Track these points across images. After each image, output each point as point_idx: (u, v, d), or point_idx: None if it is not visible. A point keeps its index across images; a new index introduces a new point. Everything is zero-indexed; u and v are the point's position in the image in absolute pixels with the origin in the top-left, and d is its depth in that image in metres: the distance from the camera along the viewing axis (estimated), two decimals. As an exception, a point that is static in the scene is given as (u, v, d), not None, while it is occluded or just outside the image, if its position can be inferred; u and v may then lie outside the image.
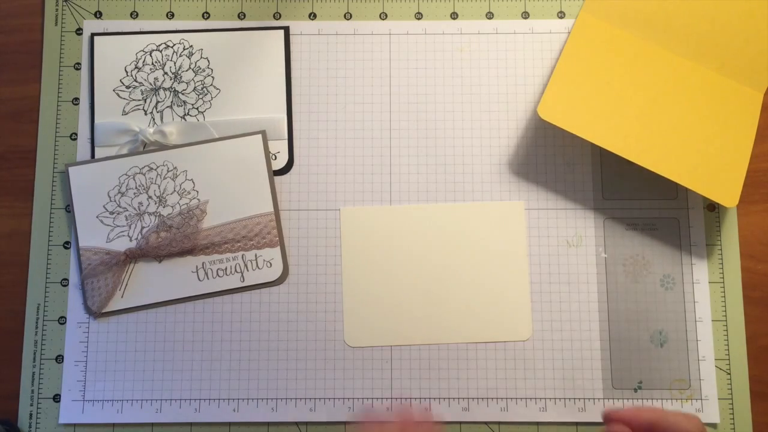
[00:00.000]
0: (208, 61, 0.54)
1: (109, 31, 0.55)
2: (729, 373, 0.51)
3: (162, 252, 0.51)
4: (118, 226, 0.52)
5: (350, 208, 0.53)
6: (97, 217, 0.52)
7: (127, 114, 0.54)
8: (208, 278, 0.52)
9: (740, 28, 0.53)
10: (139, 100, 0.54)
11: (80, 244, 0.52)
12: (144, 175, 0.52)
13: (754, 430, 0.50)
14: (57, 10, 0.55)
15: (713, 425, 0.50)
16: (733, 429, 0.50)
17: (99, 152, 0.53)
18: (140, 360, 0.51)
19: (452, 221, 0.52)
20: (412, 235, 0.52)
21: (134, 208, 0.52)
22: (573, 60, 0.52)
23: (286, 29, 0.55)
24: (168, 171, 0.52)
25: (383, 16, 0.55)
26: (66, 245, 0.52)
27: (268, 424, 0.50)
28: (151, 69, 0.54)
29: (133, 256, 0.51)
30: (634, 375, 0.51)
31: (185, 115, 0.53)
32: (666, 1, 0.53)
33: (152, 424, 0.50)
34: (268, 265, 0.52)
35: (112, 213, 0.52)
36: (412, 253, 0.52)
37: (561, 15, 0.55)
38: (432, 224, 0.52)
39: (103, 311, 0.51)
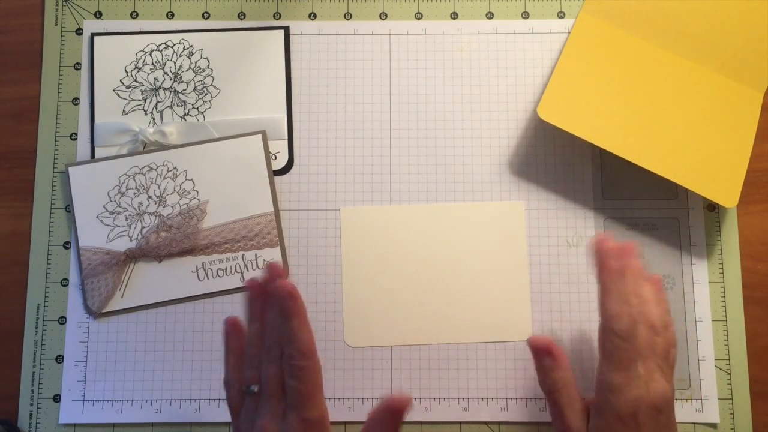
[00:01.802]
0: (208, 61, 0.54)
1: (109, 31, 0.55)
2: (729, 373, 0.51)
3: (162, 252, 0.51)
4: (118, 226, 0.52)
5: (350, 208, 0.53)
6: (97, 217, 0.52)
7: (127, 114, 0.54)
8: (208, 278, 0.52)
9: (740, 28, 0.53)
10: (139, 100, 0.54)
11: (80, 244, 0.52)
12: (144, 175, 0.52)
13: (754, 430, 0.50)
14: (57, 10, 0.55)
15: (713, 425, 0.50)
16: (733, 429, 0.50)
17: (99, 152, 0.53)
18: (140, 360, 0.51)
19: (452, 221, 0.52)
20: (412, 235, 0.52)
21: (134, 208, 0.52)
22: (573, 60, 0.52)
23: (286, 29, 0.55)
24: (168, 171, 0.52)
25: (383, 16, 0.55)
26: (66, 245, 0.52)
27: (268, 424, 0.50)
28: (151, 69, 0.54)
29: (133, 256, 0.51)
30: (634, 375, 0.51)
31: (185, 115, 0.53)
32: (666, 1, 0.53)
33: (152, 424, 0.50)
34: (268, 265, 0.52)
35: (112, 213, 0.52)
36: (412, 253, 0.52)
37: (561, 15, 0.55)
38: (432, 224, 0.52)
39: (103, 311, 0.51)
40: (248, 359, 0.42)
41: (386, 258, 0.52)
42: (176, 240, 0.51)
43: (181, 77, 0.54)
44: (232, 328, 0.44)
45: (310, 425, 0.40)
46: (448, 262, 0.52)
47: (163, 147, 0.53)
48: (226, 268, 0.52)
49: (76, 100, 0.54)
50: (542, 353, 0.44)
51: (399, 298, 0.51)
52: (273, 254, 0.52)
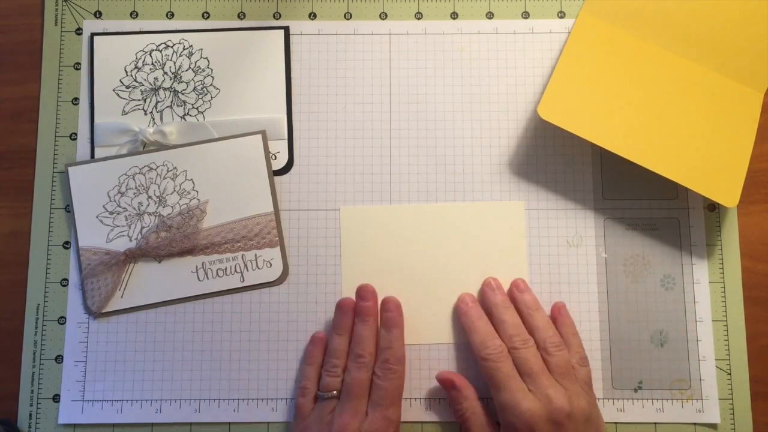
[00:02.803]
0: (208, 61, 0.54)
1: (109, 31, 0.55)
2: (729, 373, 0.51)
3: (162, 252, 0.51)
4: (117, 226, 0.52)
5: (350, 208, 0.53)
6: (96, 217, 0.52)
7: (127, 114, 0.54)
8: (208, 278, 0.52)
9: (740, 28, 0.53)
10: (139, 100, 0.54)
11: (80, 244, 0.52)
12: (144, 175, 0.52)
13: (754, 430, 0.50)
14: (57, 10, 0.55)
15: (713, 425, 0.50)
16: (734, 429, 0.50)
17: (99, 152, 0.53)
18: (140, 360, 0.51)
19: (452, 221, 0.52)
20: (412, 235, 0.52)
21: (134, 208, 0.52)
22: (573, 60, 0.52)
23: (286, 29, 0.55)
24: (168, 171, 0.52)
25: (383, 16, 0.55)
26: (66, 245, 0.52)
27: (269, 423, 0.50)
28: (150, 69, 0.54)
29: (132, 256, 0.51)
30: (634, 375, 0.51)
31: (185, 115, 0.53)
32: (666, 1, 0.53)
33: (152, 424, 0.50)
34: (268, 265, 0.52)
35: (111, 213, 0.52)
36: (412, 253, 0.52)
37: (561, 15, 0.55)
38: (432, 224, 0.52)
39: (103, 311, 0.51)
40: (329, 368, 0.48)
41: (386, 258, 0.52)
42: (176, 240, 0.51)
43: (180, 77, 0.54)
44: (320, 341, 0.50)
45: (390, 423, 0.46)
46: (448, 261, 0.52)
47: (163, 147, 0.53)
48: (226, 268, 0.52)
49: (75, 100, 0.54)
50: (448, 386, 0.49)
51: (399, 297, 0.51)
52: (273, 254, 0.52)
